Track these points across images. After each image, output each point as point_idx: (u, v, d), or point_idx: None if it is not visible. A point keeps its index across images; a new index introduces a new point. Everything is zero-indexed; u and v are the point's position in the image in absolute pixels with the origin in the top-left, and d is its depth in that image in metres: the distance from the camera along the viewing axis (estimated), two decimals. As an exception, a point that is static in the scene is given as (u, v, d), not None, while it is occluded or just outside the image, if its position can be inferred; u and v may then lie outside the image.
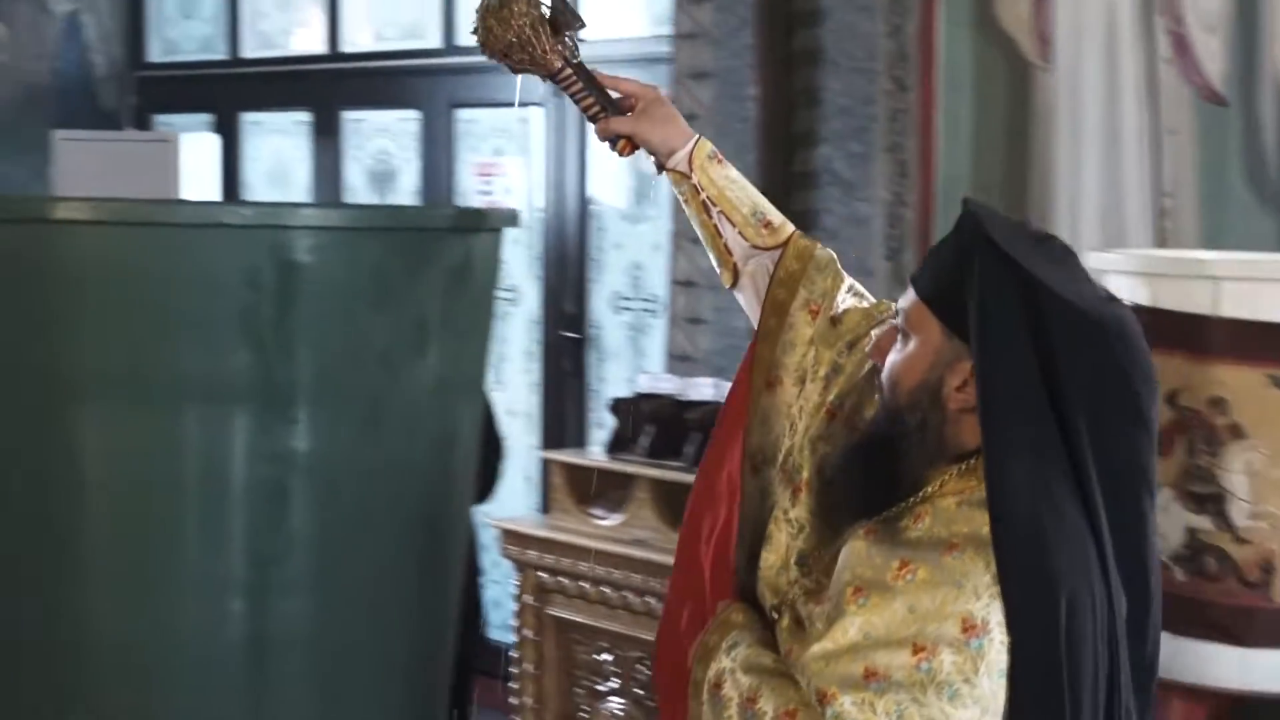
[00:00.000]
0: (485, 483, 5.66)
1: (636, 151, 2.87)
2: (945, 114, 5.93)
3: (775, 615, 2.60)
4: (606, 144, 2.86)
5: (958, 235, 2.45)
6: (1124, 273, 4.45)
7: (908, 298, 2.51)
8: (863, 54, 6.05)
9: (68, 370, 2.81)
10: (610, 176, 7.37)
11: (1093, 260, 5.37)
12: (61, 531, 2.85)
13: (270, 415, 2.76)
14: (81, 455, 2.83)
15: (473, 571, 4.73)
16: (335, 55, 8.39)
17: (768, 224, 2.86)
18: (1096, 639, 2.36)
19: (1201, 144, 5.46)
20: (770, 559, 2.64)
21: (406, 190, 8.01)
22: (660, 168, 2.87)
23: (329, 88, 8.34)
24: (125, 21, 9.61)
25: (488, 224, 3.01)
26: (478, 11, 2.83)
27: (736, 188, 2.88)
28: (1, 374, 2.86)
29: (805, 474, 2.64)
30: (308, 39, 8.66)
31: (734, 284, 2.91)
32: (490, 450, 5.63)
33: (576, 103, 2.88)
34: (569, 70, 2.84)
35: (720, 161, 2.88)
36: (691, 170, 2.85)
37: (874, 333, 2.61)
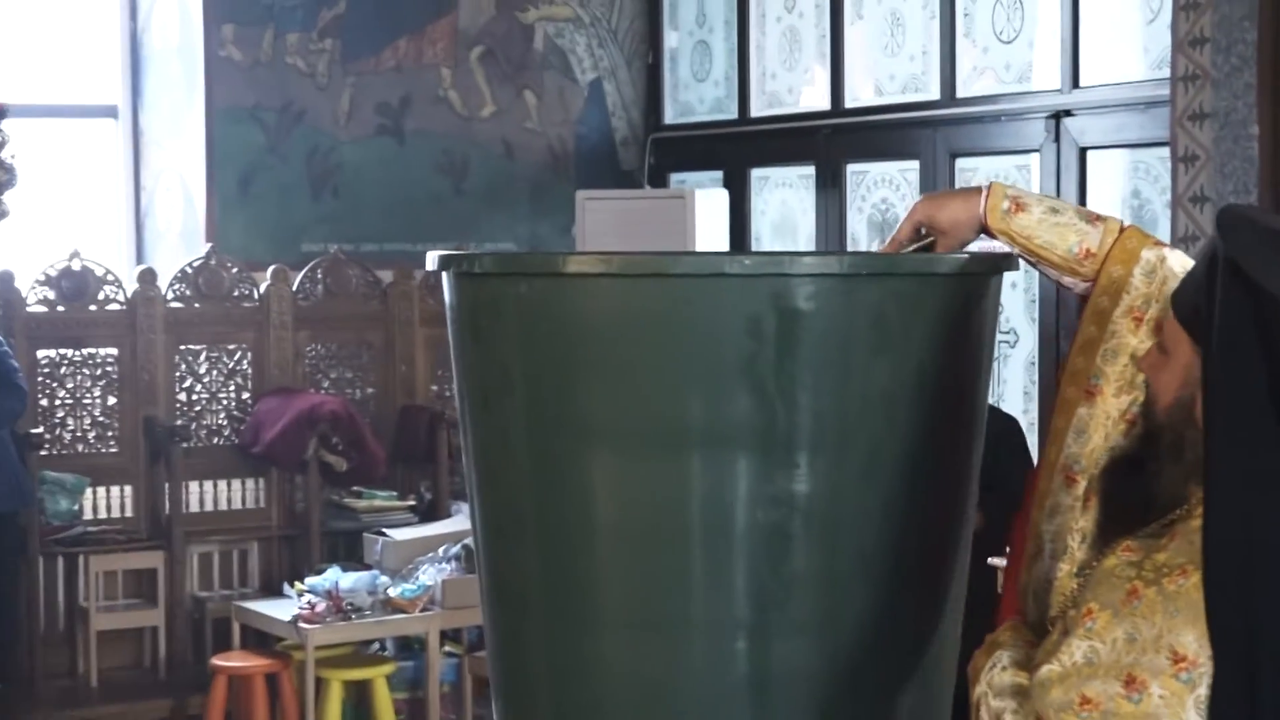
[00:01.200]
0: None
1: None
2: None
3: (1050, 628, 2.48)
4: None
5: (1208, 249, 2.29)
6: None
7: (1167, 313, 2.41)
8: (1371, 91, 5.79)
9: (582, 417, 2.81)
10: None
11: None
12: (577, 573, 2.86)
13: (771, 460, 2.71)
14: (595, 500, 2.82)
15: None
16: (838, 110, 8.39)
17: (1087, 253, 2.68)
18: None
19: None
20: (1063, 568, 2.54)
21: (907, 239, 7.93)
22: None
23: (832, 142, 8.35)
24: (643, 88, 9.79)
25: (985, 269, 2.89)
26: None
27: (1045, 229, 2.71)
28: (522, 420, 2.89)
29: (1090, 483, 2.54)
30: (812, 96, 8.68)
31: None
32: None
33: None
34: None
35: (1022, 208, 2.73)
36: (991, 233, 2.75)
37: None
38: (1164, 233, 6.61)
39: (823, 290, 2.70)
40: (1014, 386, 7.51)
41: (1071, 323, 7.25)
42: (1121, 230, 2.67)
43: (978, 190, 2.78)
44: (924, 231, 2.85)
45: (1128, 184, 7.10)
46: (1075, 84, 7.26)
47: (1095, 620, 2.28)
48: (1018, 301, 7.46)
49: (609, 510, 2.81)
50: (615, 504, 2.81)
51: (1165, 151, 6.48)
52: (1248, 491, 2.18)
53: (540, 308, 2.83)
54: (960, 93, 7.79)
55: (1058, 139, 7.33)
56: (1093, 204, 7.24)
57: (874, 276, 2.82)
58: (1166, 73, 6.47)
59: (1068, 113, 7.28)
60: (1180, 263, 2.58)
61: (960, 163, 7.83)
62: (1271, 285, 2.16)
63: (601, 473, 2.81)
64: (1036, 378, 7.45)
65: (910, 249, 2.87)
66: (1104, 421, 2.53)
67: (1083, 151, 7.26)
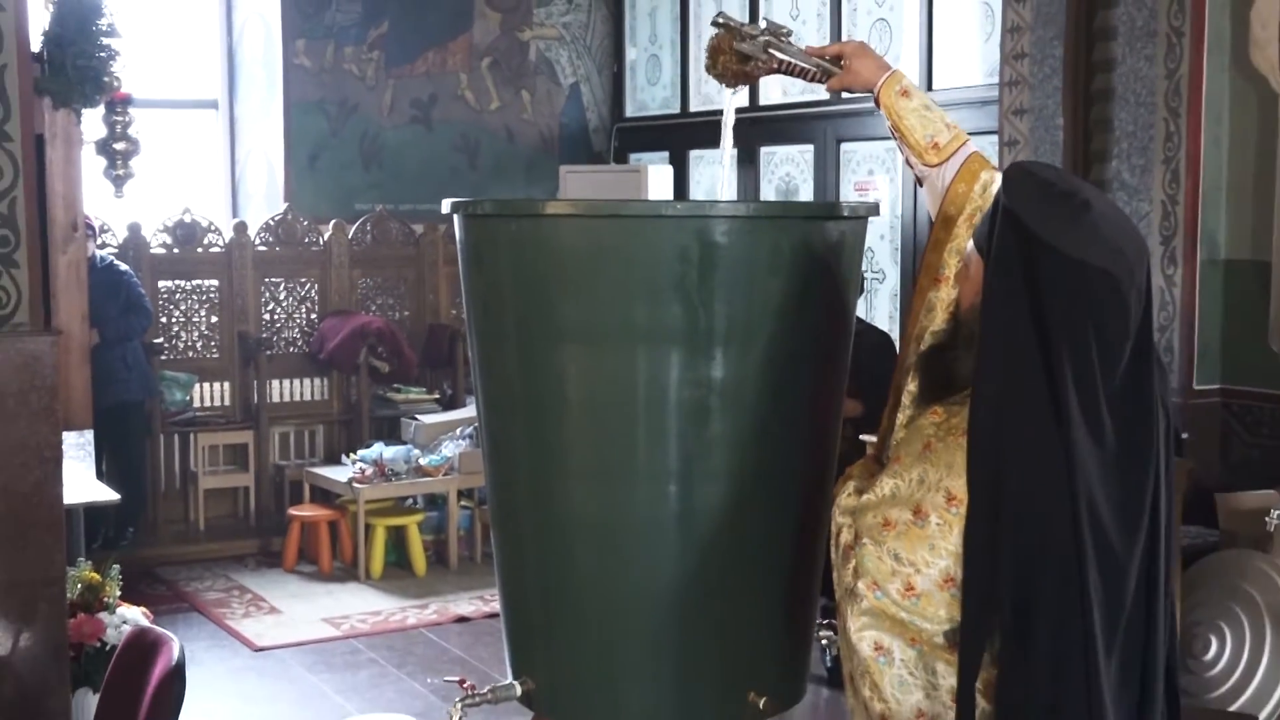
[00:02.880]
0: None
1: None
2: (1208, 135, 5.68)
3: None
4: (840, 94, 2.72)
5: (997, 193, 2.23)
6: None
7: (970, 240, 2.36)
8: (1145, 92, 5.79)
9: (557, 321, 2.81)
10: (952, 189, 7.19)
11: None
12: (551, 437, 2.86)
13: (695, 352, 2.72)
14: (566, 382, 2.83)
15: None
16: (754, 107, 8.36)
17: (935, 145, 2.60)
18: (1051, 525, 2.13)
19: None
20: (899, 419, 2.47)
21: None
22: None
23: (750, 130, 8.31)
24: (610, 89, 9.74)
25: (855, 213, 2.90)
26: (707, 70, 2.86)
27: (915, 116, 2.63)
28: (512, 324, 2.89)
29: (917, 359, 2.48)
30: (736, 96, 8.60)
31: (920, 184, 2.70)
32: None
33: (803, 78, 2.75)
34: (783, 64, 2.71)
35: (907, 94, 2.64)
36: (879, 102, 2.66)
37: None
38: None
39: (733, 228, 2.70)
40: (881, 313, 7.52)
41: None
42: (968, 155, 2.60)
43: (888, 68, 2.69)
44: (840, 63, 2.73)
45: (967, 162, 7.09)
46: (930, 87, 7.24)
47: (900, 464, 2.29)
48: (885, 249, 7.45)
49: (576, 390, 2.82)
50: (581, 385, 2.81)
51: (995, 138, 6.49)
52: (1004, 380, 2.15)
53: (526, 240, 2.83)
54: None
55: (916, 129, 7.31)
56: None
57: (771, 219, 2.83)
58: (996, 79, 6.46)
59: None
60: None
61: (844, 146, 7.81)
62: (1034, 226, 2.12)
63: (571, 363, 2.81)
64: (898, 306, 7.47)
65: (816, 68, 2.74)
66: (947, 303, 2.47)
67: (934, 138, 7.25)
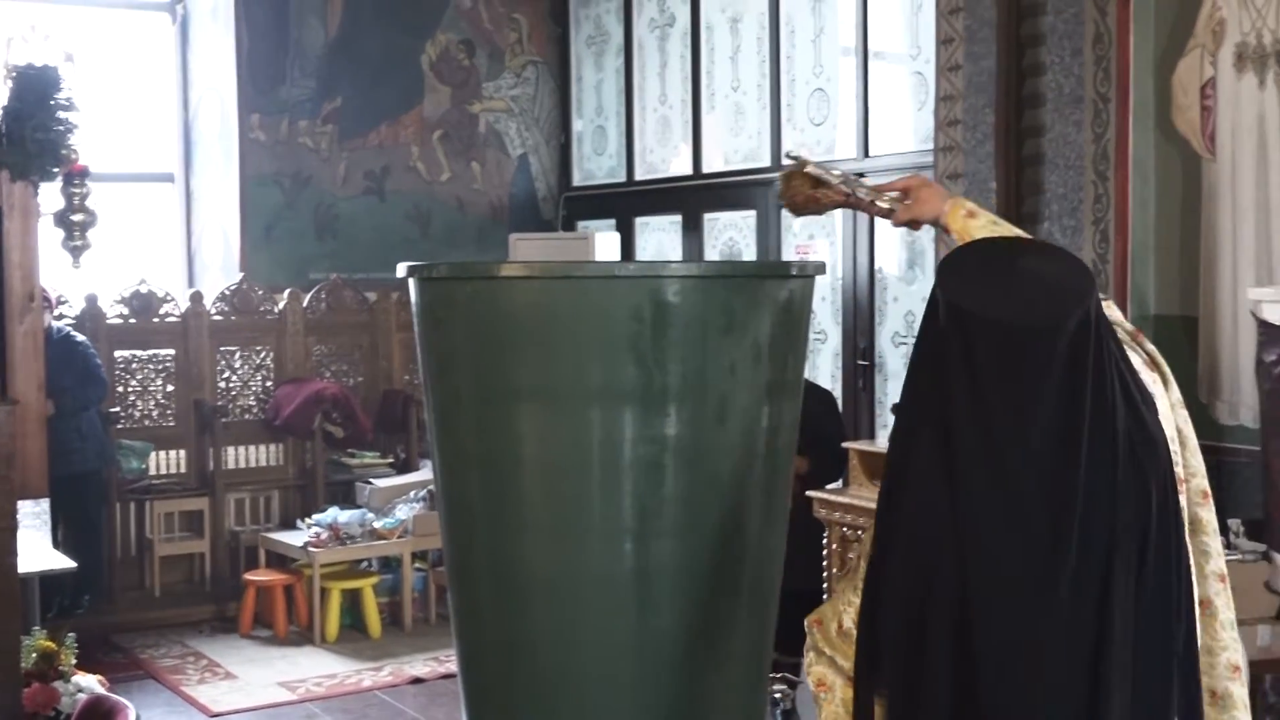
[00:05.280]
0: (840, 467, 5.54)
1: (923, 226, 2.68)
2: (1135, 196, 5.72)
3: None
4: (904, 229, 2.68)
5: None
6: (1275, 301, 4.16)
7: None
8: (1074, 155, 5.84)
9: (513, 381, 2.78)
10: (890, 251, 7.22)
11: (1251, 294, 5.07)
12: (507, 496, 2.82)
13: (649, 410, 2.69)
14: (522, 441, 2.79)
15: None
16: (698, 175, 8.39)
17: None
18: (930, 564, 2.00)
19: (1334, 211, 5.14)
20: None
21: (748, 266, 7.97)
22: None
23: (694, 197, 8.35)
24: (558, 160, 9.75)
25: (801, 273, 2.88)
26: (779, 198, 2.74)
27: (984, 233, 2.54)
28: (468, 384, 2.85)
29: None
30: (679, 165, 8.67)
31: None
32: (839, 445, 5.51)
33: (869, 212, 2.72)
34: (853, 199, 2.68)
35: (973, 215, 2.59)
36: (949, 229, 2.61)
37: None
38: (929, 260, 6.66)
39: (685, 288, 2.69)
40: (824, 372, 7.51)
41: (865, 326, 7.30)
42: None
43: (950, 196, 2.65)
44: (904, 200, 2.67)
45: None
46: (866, 153, 7.29)
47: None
48: (826, 310, 7.46)
49: (532, 449, 2.78)
50: (537, 444, 2.78)
51: (930, 202, 6.51)
52: (910, 416, 2.08)
53: (481, 302, 2.80)
54: (784, 162, 7.80)
55: (854, 194, 7.35)
56: (879, 243, 7.27)
57: (721, 278, 2.81)
58: (930, 145, 6.47)
59: (862, 174, 7.30)
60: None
61: (785, 212, 7.82)
62: (947, 289, 2.03)
63: (527, 422, 2.78)
64: (840, 366, 7.47)
65: (884, 203, 2.68)
66: None
67: (872, 203, 7.29)
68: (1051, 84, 5.90)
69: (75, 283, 7.82)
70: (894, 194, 2.69)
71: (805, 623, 2.24)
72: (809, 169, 2.68)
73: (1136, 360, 2.17)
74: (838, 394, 7.25)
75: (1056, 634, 1.97)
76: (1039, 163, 5.97)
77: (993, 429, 1.97)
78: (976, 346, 1.97)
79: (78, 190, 6.61)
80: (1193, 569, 2.15)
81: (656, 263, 3.11)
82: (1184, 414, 2.26)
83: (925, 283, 6.76)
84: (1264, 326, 4.49)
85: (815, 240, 7.64)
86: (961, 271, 2.05)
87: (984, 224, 2.57)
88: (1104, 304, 2.12)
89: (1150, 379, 2.20)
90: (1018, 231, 2.58)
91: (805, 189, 2.70)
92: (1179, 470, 2.16)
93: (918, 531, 2.01)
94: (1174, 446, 2.15)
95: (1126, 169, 5.71)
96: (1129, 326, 2.28)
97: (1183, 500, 2.13)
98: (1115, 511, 1.98)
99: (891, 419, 4.89)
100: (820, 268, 2.90)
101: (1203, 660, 2.16)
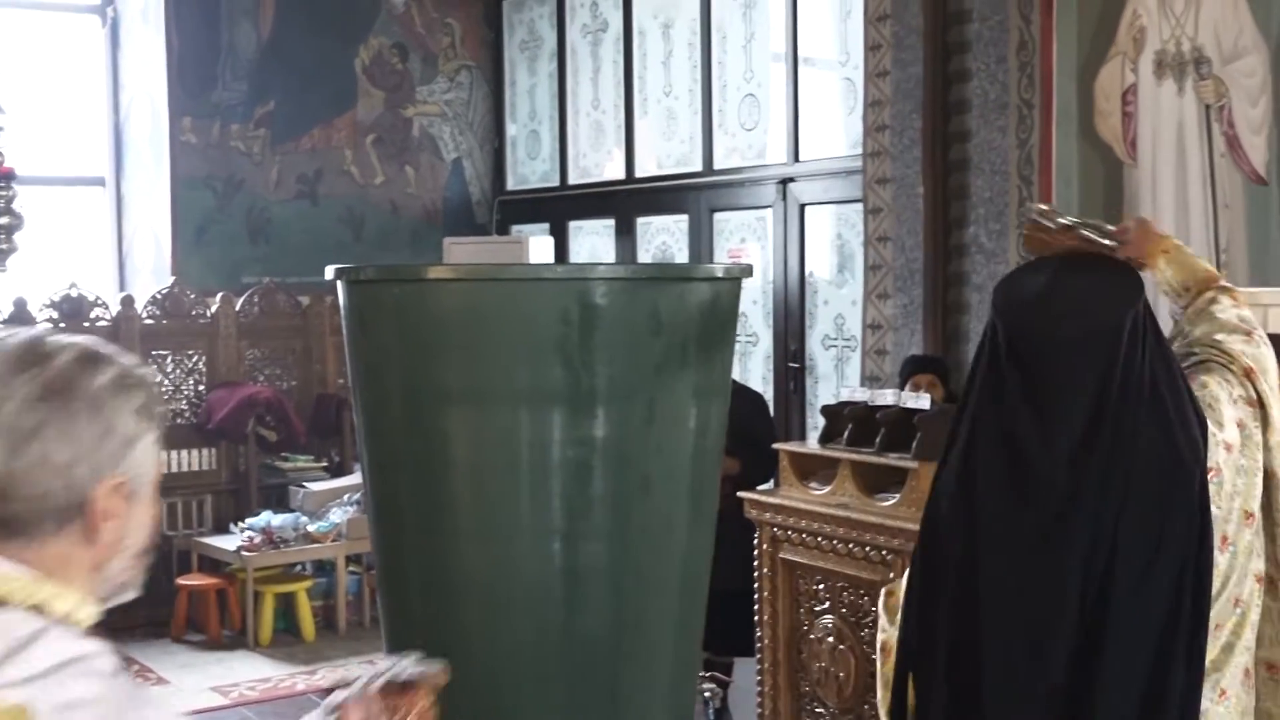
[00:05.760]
0: (770, 468, 5.52)
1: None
2: (1058, 200, 5.79)
3: None
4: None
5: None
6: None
7: None
8: (999, 160, 5.91)
9: (441, 383, 2.77)
10: (821, 255, 7.26)
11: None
12: (436, 498, 2.81)
13: (577, 412, 2.69)
14: (450, 443, 2.78)
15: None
16: (630, 179, 8.39)
17: (1186, 288, 2.58)
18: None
19: (1249, 214, 5.23)
20: None
21: (680, 269, 7.98)
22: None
23: (626, 201, 8.35)
24: (491, 164, 9.72)
25: (728, 275, 2.89)
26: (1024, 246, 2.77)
27: (1173, 269, 2.59)
28: (397, 386, 2.84)
29: None
30: (612, 169, 8.67)
31: None
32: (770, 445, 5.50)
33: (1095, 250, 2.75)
34: (1076, 239, 2.69)
35: (1166, 253, 2.60)
36: (1145, 265, 2.57)
37: None
38: (858, 264, 6.70)
39: (613, 290, 2.69)
40: (755, 375, 7.53)
41: (796, 328, 7.33)
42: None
43: (1159, 238, 2.62)
44: (1119, 239, 2.65)
45: (834, 230, 7.17)
46: (796, 159, 7.32)
47: None
48: (757, 314, 7.49)
49: (461, 451, 2.77)
50: (465, 446, 2.77)
51: (859, 206, 6.56)
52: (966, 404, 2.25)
53: (410, 304, 2.79)
54: (716, 166, 7.83)
55: (785, 198, 7.39)
56: (810, 247, 7.32)
57: (648, 280, 2.81)
58: (860, 150, 6.52)
59: (791, 179, 7.35)
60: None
61: (716, 216, 7.85)
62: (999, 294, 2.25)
63: (455, 423, 2.77)
64: (771, 368, 7.50)
65: (1108, 242, 2.65)
66: None
67: (802, 207, 7.33)
68: (977, 90, 5.96)
69: (2, 287, 7.70)
70: (1112, 239, 2.69)
71: (882, 592, 2.44)
72: (1048, 221, 2.76)
73: (1225, 393, 2.25)
74: (769, 396, 7.27)
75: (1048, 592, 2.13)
76: (965, 167, 6.02)
77: (1016, 432, 2.13)
78: (1007, 354, 2.15)
79: (3, 194, 6.52)
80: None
81: (584, 265, 3.10)
82: None
83: (855, 286, 6.79)
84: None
85: (747, 244, 7.67)
86: (1007, 286, 2.26)
87: (1166, 260, 2.59)
88: (1222, 301, 2.37)
89: (1244, 414, 2.26)
90: (1198, 263, 2.62)
91: (1040, 234, 2.75)
92: (1248, 505, 2.24)
93: (941, 514, 2.19)
94: (1249, 479, 2.23)
95: (1050, 173, 5.77)
96: (1245, 363, 2.33)
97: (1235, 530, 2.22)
98: (1117, 526, 2.11)
99: (822, 420, 4.93)
100: (747, 270, 2.91)
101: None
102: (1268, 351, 2.32)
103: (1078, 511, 2.10)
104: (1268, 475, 2.24)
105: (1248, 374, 2.28)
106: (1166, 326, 2.59)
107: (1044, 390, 2.13)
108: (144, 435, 1.43)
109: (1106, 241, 2.64)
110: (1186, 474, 2.12)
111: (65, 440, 1.33)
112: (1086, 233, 2.66)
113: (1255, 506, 2.22)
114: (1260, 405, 2.25)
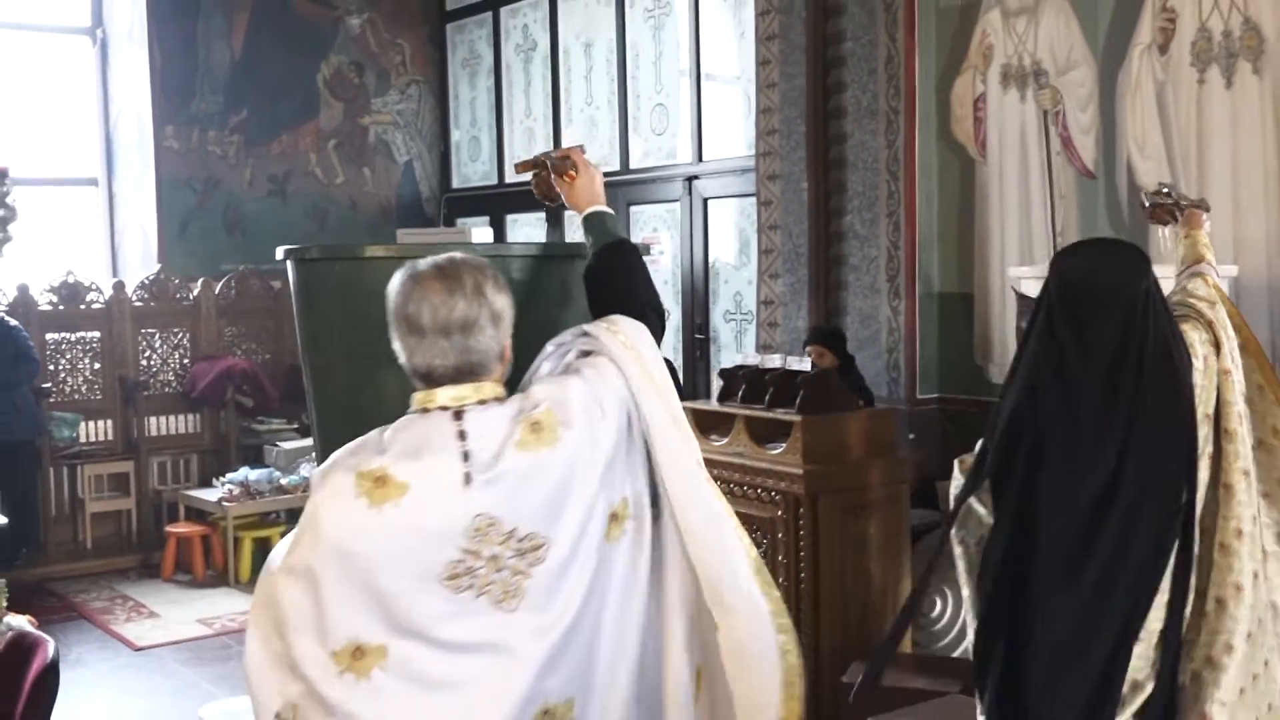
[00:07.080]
0: None
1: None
2: (921, 193, 5.81)
3: None
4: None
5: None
6: (1032, 278, 4.23)
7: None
8: (871, 159, 5.91)
9: (376, 347, 2.70)
10: (724, 242, 7.24)
11: (1012, 272, 5.17)
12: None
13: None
14: (384, 399, 2.72)
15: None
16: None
17: (1184, 261, 3.00)
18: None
19: (1080, 204, 5.27)
20: None
21: (602, 255, 7.92)
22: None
23: (555, 197, 8.28)
24: (439, 165, 9.62)
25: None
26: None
27: (1182, 248, 3.05)
28: (340, 352, 2.78)
29: None
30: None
31: None
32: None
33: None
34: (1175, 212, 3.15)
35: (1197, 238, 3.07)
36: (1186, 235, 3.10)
37: None
38: (754, 249, 6.69)
39: (526, 265, 2.65)
40: (668, 344, 7.51)
41: (700, 305, 7.30)
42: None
43: (1199, 227, 3.05)
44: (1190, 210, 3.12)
45: (734, 220, 7.17)
46: (700, 159, 7.31)
47: None
48: (669, 292, 7.47)
49: (393, 405, 2.71)
50: (398, 401, 2.71)
51: (754, 199, 6.56)
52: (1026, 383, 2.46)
53: (350, 280, 2.72)
54: (632, 165, 7.79)
55: (690, 193, 7.37)
56: (712, 235, 7.30)
57: (558, 258, 2.77)
58: (754, 150, 6.51)
59: (696, 177, 7.33)
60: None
61: (633, 208, 7.82)
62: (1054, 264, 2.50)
63: (389, 382, 2.71)
64: (681, 340, 7.49)
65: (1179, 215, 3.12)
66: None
67: (705, 201, 7.32)
68: (852, 99, 5.96)
69: (3, 275, 7.53)
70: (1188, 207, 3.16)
71: (955, 462, 2.77)
72: (1167, 197, 3.16)
73: (1197, 336, 2.57)
74: (678, 363, 7.28)
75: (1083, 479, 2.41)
76: (843, 165, 6.02)
77: (1064, 359, 2.39)
78: (1058, 299, 2.42)
79: None
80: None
81: (500, 244, 3.07)
82: (1230, 379, 2.61)
83: (751, 269, 6.78)
84: (1022, 299, 4.60)
85: (659, 232, 7.64)
86: (1060, 259, 2.50)
87: (1188, 241, 3.02)
88: (1198, 280, 2.76)
89: (1208, 351, 2.58)
90: (1198, 248, 2.99)
91: (1164, 203, 3.16)
92: (1207, 409, 2.56)
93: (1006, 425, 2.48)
94: (1208, 394, 2.56)
95: (914, 171, 5.79)
96: (1209, 317, 2.64)
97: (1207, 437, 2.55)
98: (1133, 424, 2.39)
99: (720, 382, 4.92)
100: (646, 249, 2.88)
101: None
102: (1222, 311, 2.66)
103: (1117, 398, 2.38)
104: (1219, 398, 2.59)
105: (1210, 325, 2.63)
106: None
107: (1088, 324, 2.38)
108: (510, 308, 2.10)
109: (1179, 214, 3.13)
110: (1184, 376, 2.47)
111: (493, 322, 2.07)
112: (1183, 201, 3.14)
113: (1210, 411, 2.55)
114: (1216, 347, 2.60)
